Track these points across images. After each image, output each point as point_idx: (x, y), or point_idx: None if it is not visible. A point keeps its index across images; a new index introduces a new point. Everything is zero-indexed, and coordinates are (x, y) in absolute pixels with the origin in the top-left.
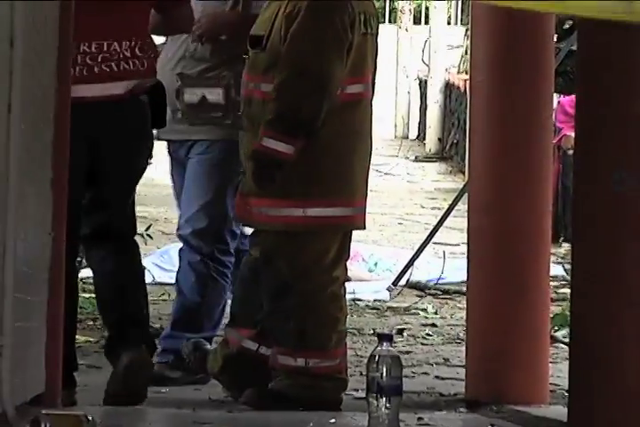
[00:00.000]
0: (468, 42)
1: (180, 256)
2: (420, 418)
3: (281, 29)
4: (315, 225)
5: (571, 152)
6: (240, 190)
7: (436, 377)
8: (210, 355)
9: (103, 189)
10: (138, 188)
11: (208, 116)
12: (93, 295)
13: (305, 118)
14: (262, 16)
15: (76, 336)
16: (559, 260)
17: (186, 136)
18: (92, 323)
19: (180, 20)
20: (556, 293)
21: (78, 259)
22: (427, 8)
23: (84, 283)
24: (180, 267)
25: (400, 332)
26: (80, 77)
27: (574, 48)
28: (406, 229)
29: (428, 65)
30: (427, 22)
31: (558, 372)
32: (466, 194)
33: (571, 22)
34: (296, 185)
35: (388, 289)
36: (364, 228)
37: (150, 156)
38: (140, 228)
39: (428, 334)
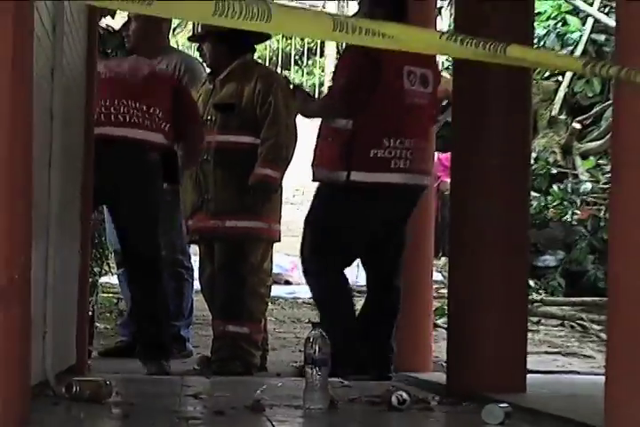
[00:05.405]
0: None
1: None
2: (341, 382)
3: (253, 100)
4: (272, 235)
5: (446, 193)
6: (207, 211)
7: None
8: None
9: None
10: None
11: None
12: (111, 295)
13: (289, 157)
14: (226, 90)
15: (97, 324)
16: (439, 269)
17: None
18: (109, 315)
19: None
20: (437, 292)
21: (97, 269)
22: None
23: (103, 286)
24: None
25: None
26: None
27: (449, 119)
28: None
29: None
30: None
31: (439, 348)
32: None
33: (446, 101)
34: (265, 206)
35: None
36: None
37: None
38: None
39: None
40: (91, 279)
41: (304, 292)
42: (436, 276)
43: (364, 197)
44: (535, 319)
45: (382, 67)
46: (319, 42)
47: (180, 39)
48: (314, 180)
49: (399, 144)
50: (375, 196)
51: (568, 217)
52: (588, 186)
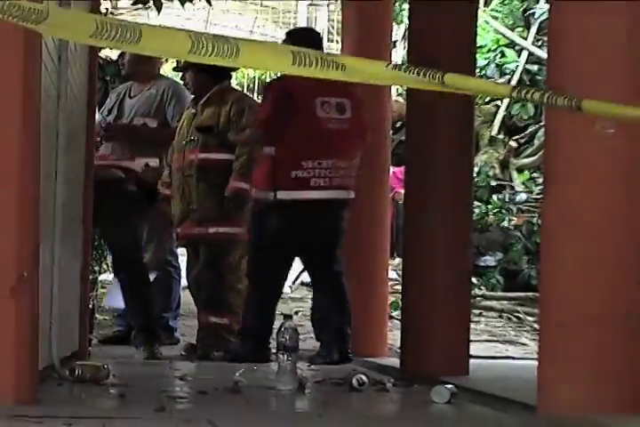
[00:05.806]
0: None
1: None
2: (309, 365)
3: (229, 121)
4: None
5: (400, 202)
6: (192, 219)
7: (318, 340)
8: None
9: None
10: None
11: None
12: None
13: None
14: (206, 114)
15: (97, 316)
16: (394, 268)
17: None
18: (107, 307)
19: None
20: (392, 288)
21: (97, 268)
22: None
23: (102, 283)
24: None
25: (296, 313)
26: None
27: (403, 138)
28: None
29: None
30: None
31: (394, 337)
32: None
33: (400, 122)
34: (240, 213)
35: (289, 286)
36: None
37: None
38: None
39: None
40: (91, 277)
41: None
42: (392, 274)
43: (291, 212)
44: (477, 312)
45: (296, 100)
46: None
47: (165, 69)
48: (253, 199)
49: (317, 165)
50: (300, 211)
51: (506, 223)
52: (523, 196)
